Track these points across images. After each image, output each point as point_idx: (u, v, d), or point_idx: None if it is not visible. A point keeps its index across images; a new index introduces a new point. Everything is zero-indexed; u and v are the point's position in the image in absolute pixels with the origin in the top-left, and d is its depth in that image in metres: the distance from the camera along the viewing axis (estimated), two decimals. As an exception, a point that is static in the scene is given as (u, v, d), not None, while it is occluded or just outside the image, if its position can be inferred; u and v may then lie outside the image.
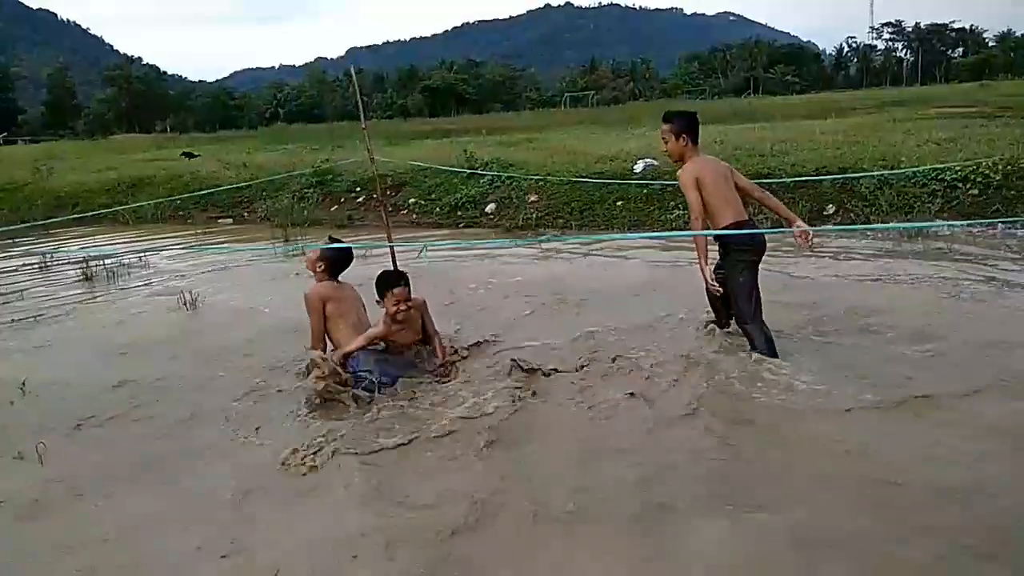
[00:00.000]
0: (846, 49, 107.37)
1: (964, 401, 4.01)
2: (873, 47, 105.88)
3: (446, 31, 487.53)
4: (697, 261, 4.71)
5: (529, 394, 4.32)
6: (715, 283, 4.72)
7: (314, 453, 3.72)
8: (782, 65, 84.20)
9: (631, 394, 4.26)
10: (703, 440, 3.71)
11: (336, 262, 4.94)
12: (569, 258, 8.87)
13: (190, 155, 20.23)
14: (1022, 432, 3.65)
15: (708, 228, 4.68)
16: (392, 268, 4.93)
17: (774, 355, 4.60)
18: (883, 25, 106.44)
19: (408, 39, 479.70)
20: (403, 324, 4.69)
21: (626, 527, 3.00)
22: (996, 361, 4.52)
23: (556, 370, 4.67)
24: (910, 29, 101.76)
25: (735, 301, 4.78)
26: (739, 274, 4.69)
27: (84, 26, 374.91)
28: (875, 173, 9.87)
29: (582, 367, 4.73)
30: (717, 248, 4.88)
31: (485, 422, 3.97)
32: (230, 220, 14.13)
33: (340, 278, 4.95)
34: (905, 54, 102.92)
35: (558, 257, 8.94)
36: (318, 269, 4.87)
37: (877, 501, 3.09)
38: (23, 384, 4.91)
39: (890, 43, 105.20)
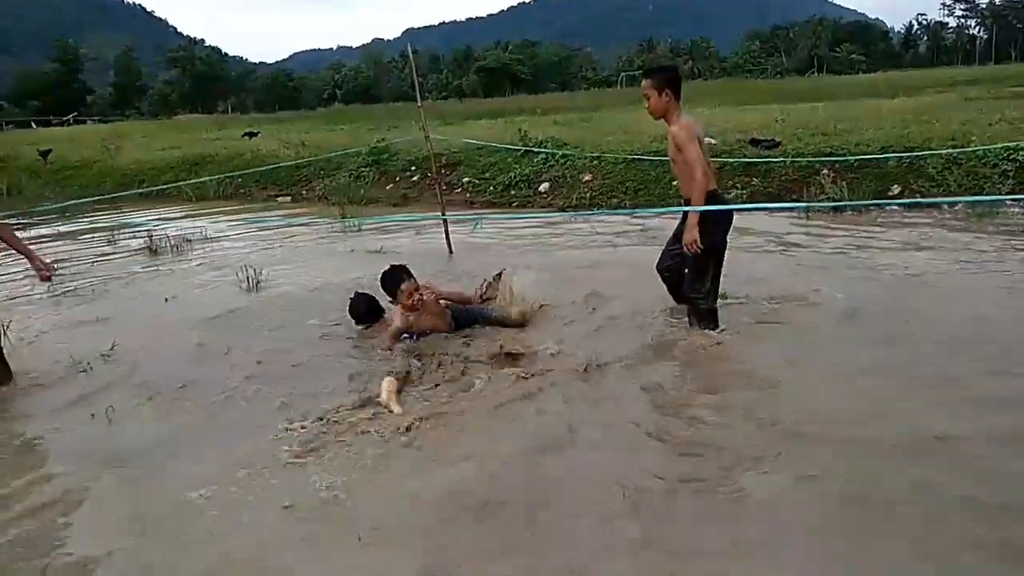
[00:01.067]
0: (915, 26, 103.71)
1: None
2: (944, 24, 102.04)
3: (502, 11, 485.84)
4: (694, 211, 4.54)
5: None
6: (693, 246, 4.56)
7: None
8: (848, 43, 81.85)
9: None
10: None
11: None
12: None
13: (252, 134, 20.65)
14: None
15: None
16: (397, 264, 5.05)
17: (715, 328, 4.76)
18: (955, 1, 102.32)
19: (464, 19, 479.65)
20: (420, 311, 4.87)
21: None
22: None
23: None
24: (984, 5, 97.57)
25: (690, 271, 4.78)
26: (706, 249, 4.57)
27: (149, 9, 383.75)
28: (943, 151, 9.52)
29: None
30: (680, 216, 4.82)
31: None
32: (288, 198, 14.41)
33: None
34: (978, 31, 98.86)
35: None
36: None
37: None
38: (110, 350, 5.11)
39: (963, 20, 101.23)
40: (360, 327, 5.31)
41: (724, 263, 4.87)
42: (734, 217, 4.90)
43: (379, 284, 5.02)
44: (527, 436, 3.58)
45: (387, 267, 5.05)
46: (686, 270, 4.85)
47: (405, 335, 4.93)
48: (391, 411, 3.88)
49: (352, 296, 5.38)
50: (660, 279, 5.18)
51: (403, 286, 4.82)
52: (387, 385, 4.04)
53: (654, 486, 3.09)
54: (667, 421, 3.67)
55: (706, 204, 4.53)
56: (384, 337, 4.94)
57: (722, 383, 4.15)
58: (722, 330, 4.79)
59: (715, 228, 4.64)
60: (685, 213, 4.69)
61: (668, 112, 4.69)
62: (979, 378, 3.98)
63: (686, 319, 4.92)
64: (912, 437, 3.37)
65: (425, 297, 4.90)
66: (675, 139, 4.60)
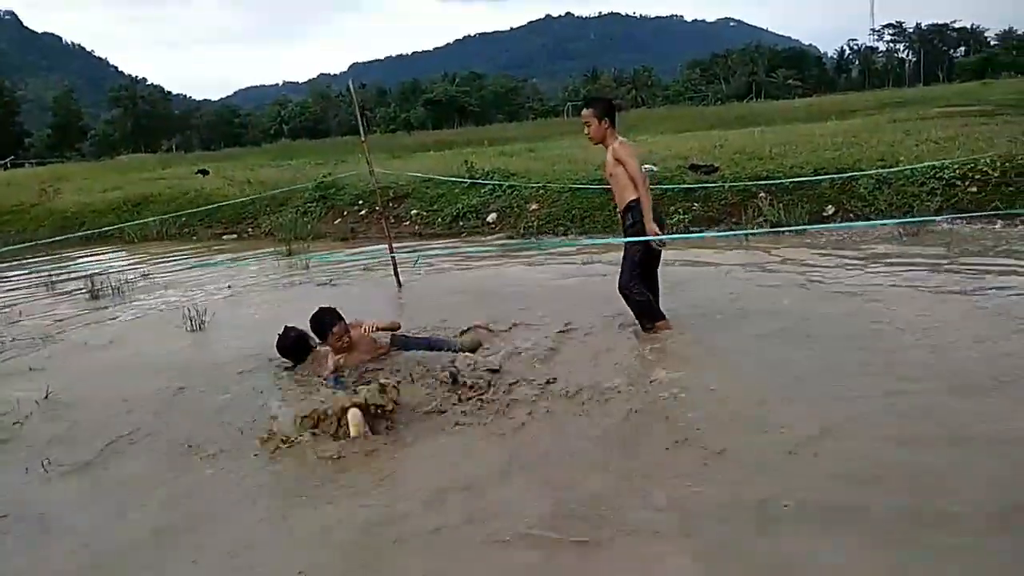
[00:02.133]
0: (848, 51, 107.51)
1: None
2: (875, 49, 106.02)
3: (448, 44, 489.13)
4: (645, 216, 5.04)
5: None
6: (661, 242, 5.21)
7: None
8: (784, 69, 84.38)
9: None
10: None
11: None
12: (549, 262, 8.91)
13: (204, 172, 20.33)
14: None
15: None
16: (326, 307, 5.08)
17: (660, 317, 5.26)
18: (884, 26, 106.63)
19: (410, 53, 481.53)
20: (348, 351, 4.96)
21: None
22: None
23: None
24: (911, 30, 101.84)
25: (624, 270, 5.23)
26: (637, 248, 5.13)
27: (88, 48, 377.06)
28: (873, 172, 9.89)
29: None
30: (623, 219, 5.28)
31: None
32: (234, 236, 14.24)
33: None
34: (907, 55, 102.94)
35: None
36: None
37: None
38: (44, 398, 5.01)
39: (892, 44, 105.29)
40: (288, 363, 5.24)
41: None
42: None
43: (314, 323, 5.02)
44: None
45: (316, 310, 5.06)
46: (622, 264, 5.29)
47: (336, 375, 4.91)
48: (363, 437, 3.90)
49: (281, 331, 5.30)
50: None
51: (334, 329, 4.91)
52: (352, 418, 4.00)
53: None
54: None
55: (636, 212, 5.08)
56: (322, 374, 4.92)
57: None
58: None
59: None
60: (624, 222, 5.24)
61: (606, 138, 5.21)
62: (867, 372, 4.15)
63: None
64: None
65: (354, 337, 4.98)
66: (616, 155, 5.12)
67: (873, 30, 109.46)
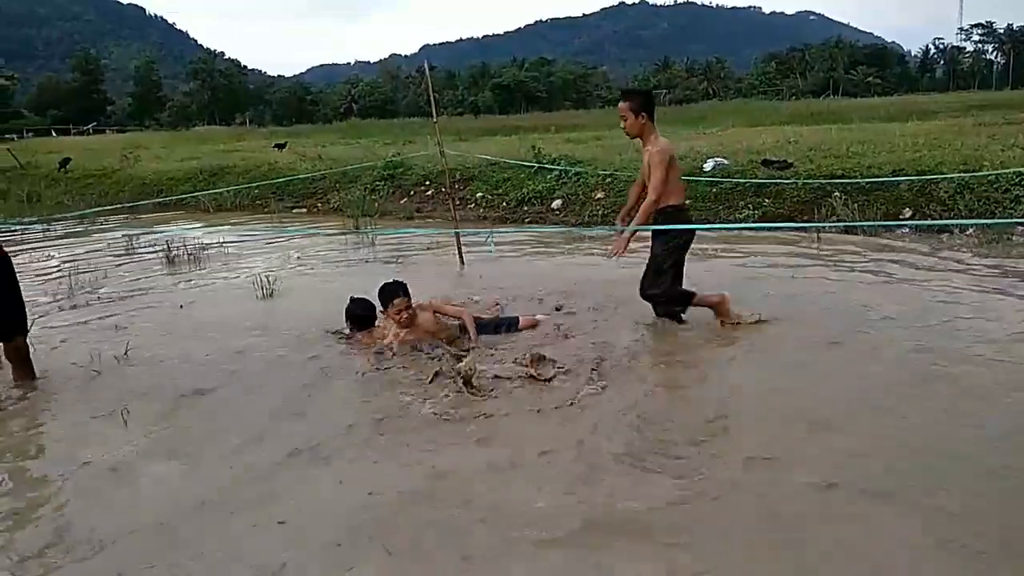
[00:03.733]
0: (932, 51, 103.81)
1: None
2: (961, 49, 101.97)
3: (519, 28, 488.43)
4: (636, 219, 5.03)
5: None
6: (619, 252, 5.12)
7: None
8: (864, 66, 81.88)
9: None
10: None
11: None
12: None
13: (281, 146, 20.81)
14: None
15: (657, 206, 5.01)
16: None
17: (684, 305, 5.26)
18: (973, 26, 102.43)
19: (481, 36, 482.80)
20: (409, 328, 5.05)
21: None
22: None
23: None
24: (1002, 31, 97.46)
25: (650, 272, 5.17)
26: (668, 253, 5.09)
27: (170, 21, 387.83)
28: (955, 175, 9.55)
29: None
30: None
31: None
32: (304, 210, 14.57)
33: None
34: (996, 56, 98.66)
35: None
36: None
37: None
38: (124, 354, 5.24)
39: (980, 45, 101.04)
40: (350, 330, 5.45)
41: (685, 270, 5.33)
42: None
43: (381, 293, 5.12)
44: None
45: (389, 280, 5.18)
46: (645, 270, 5.27)
47: (388, 348, 5.07)
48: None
49: (351, 298, 5.50)
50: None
51: (395, 300, 5.00)
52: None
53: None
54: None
55: (671, 219, 5.04)
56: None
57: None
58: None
59: (677, 239, 5.11)
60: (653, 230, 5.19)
61: (644, 133, 5.06)
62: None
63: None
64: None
65: (416, 314, 5.07)
66: (650, 159, 4.99)
67: (961, 29, 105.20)
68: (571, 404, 4.14)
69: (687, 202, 5.29)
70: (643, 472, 3.35)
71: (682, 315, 5.37)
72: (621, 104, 5.06)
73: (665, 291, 5.17)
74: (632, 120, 4.98)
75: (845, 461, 3.38)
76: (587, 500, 3.13)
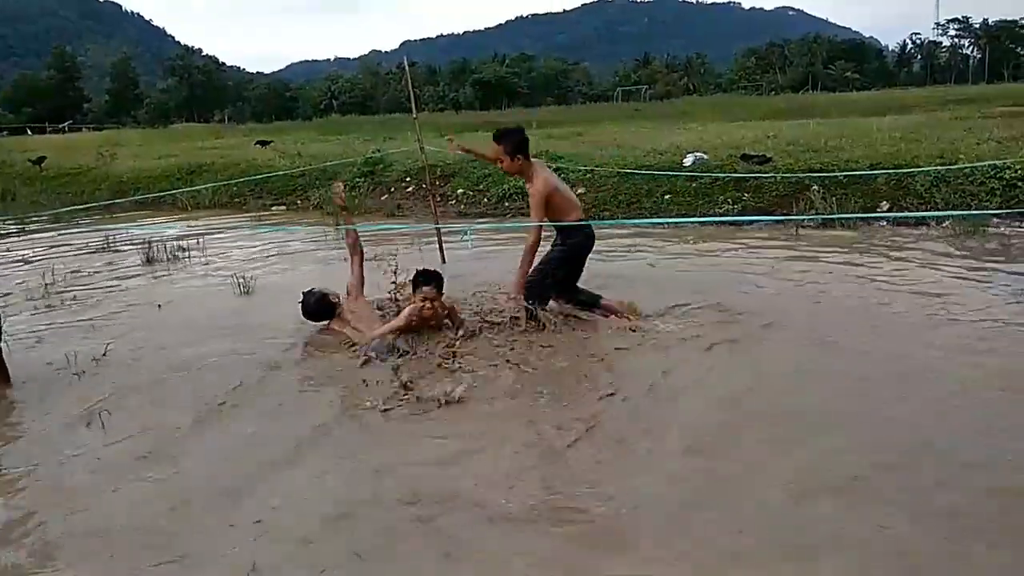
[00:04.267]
0: (910, 45, 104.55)
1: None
2: (938, 44, 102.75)
3: (500, 24, 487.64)
4: (521, 266, 5.13)
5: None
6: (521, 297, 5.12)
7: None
8: (842, 61, 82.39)
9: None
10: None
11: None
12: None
13: (264, 143, 20.60)
14: None
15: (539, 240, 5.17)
16: (439, 259, 5.22)
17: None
18: (949, 21, 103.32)
19: (462, 32, 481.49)
20: (427, 319, 5.00)
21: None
22: None
23: None
24: (978, 26, 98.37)
25: (538, 276, 5.18)
26: (562, 261, 5.22)
27: (147, 17, 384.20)
28: (931, 169, 9.65)
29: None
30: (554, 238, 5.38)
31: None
32: (283, 207, 14.46)
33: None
34: (972, 52, 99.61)
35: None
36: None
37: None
38: (103, 355, 5.19)
39: (956, 40, 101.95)
40: (316, 325, 5.45)
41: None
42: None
43: (417, 274, 5.09)
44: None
45: (431, 269, 5.20)
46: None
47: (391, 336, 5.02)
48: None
49: (302, 293, 5.47)
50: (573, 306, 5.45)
51: (424, 288, 4.96)
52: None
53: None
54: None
55: (568, 234, 5.21)
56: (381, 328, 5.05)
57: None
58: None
59: (574, 251, 5.25)
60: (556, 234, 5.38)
61: (523, 171, 5.19)
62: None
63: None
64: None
65: (435, 310, 5.01)
66: (531, 199, 5.12)
67: (937, 24, 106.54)
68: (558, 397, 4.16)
69: (583, 218, 5.40)
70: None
71: (537, 312, 5.19)
72: (495, 147, 5.15)
73: (535, 291, 5.18)
74: (509, 162, 5.12)
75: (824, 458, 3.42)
76: (562, 494, 3.14)
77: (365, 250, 5.97)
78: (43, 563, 2.85)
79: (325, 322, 5.46)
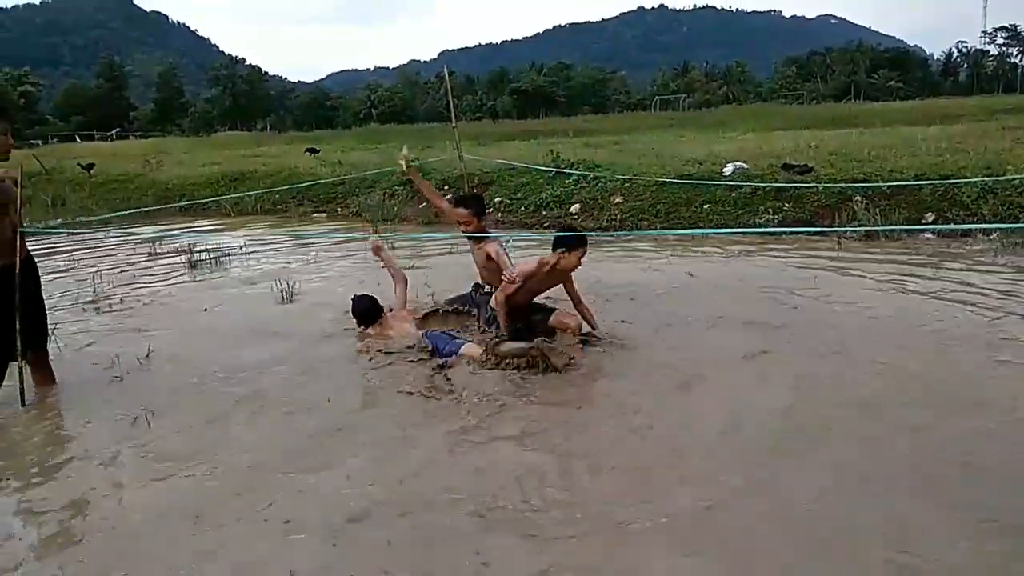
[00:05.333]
0: (955, 54, 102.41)
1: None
2: (985, 52, 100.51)
3: (537, 33, 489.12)
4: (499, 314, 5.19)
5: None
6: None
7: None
8: (886, 70, 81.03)
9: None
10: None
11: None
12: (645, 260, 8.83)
13: (313, 151, 20.90)
14: None
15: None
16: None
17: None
18: (997, 29, 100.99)
19: (500, 41, 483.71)
20: (563, 270, 5.08)
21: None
22: None
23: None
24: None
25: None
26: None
27: (193, 28, 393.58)
28: (978, 180, 9.45)
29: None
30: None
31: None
32: (324, 215, 14.66)
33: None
34: (1020, 60, 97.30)
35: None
36: None
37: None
38: (146, 357, 5.32)
39: (1004, 48, 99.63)
40: (361, 327, 5.61)
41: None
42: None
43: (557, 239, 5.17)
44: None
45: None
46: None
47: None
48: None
49: (353, 297, 5.70)
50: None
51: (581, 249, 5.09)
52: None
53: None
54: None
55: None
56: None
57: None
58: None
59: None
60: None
61: (483, 231, 5.69)
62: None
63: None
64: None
65: (576, 263, 5.12)
66: (494, 255, 5.37)
67: (984, 32, 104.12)
68: (579, 408, 4.16)
69: None
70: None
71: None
72: (460, 211, 5.64)
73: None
74: (476, 224, 5.62)
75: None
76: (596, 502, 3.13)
77: (404, 257, 6.08)
78: (84, 557, 2.93)
79: (364, 327, 5.59)
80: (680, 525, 2.98)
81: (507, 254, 5.39)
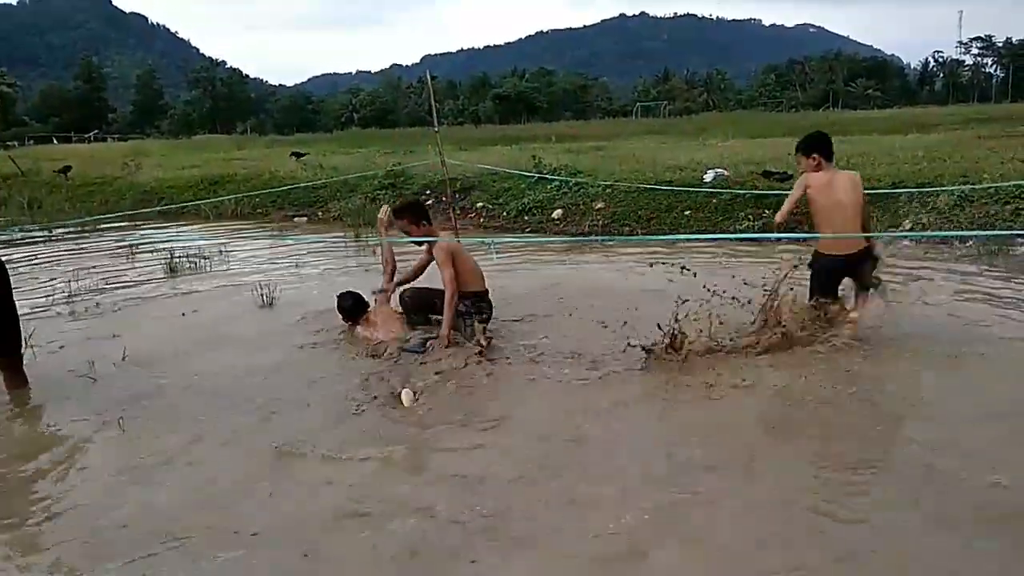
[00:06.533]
0: (932, 64, 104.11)
1: None
2: (961, 62, 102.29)
3: (520, 39, 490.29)
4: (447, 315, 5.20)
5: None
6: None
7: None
8: (863, 79, 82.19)
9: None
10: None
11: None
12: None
13: (299, 155, 20.74)
14: None
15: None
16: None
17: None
18: (972, 40, 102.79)
19: (482, 47, 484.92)
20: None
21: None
22: None
23: None
24: (1001, 44, 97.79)
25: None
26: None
27: (172, 30, 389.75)
28: (955, 188, 9.57)
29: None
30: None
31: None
32: (304, 218, 14.57)
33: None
34: (995, 70, 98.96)
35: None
36: None
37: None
38: (122, 358, 5.27)
39: (979, 58, 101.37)
40: (347, 324, 5.73)
41: None
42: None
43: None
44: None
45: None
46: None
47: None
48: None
49: (337, 295, 5.80)
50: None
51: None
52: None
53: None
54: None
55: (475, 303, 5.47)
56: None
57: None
58: None
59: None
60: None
61: (430, 234, 5.65)
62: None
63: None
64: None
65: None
66: (435, 258, 5.40)
67: (960, 43, 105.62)
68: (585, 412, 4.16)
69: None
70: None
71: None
72: (398, 223, 5.66)
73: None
74: (415, 230, 5.59)
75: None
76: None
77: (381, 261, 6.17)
78: (60, 566, 2.88)
79: (350, 323, 5.71)
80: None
81: (450, 255, 5.33)
